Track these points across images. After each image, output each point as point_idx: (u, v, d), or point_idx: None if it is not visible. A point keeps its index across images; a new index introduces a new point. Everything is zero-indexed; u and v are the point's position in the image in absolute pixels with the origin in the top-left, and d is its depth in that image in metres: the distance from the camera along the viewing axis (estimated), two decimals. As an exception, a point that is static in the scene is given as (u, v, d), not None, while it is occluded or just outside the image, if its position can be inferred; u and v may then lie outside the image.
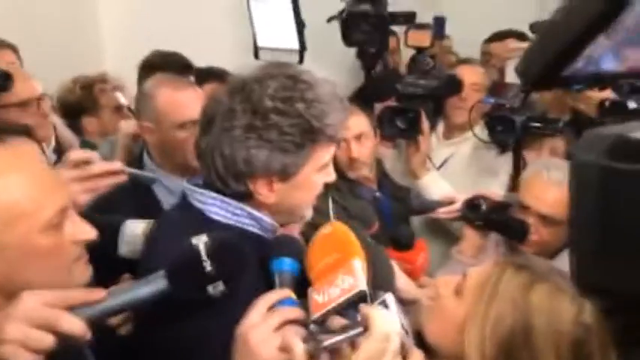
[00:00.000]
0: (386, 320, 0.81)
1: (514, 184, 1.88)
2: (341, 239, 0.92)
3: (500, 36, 3.22)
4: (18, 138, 1.32)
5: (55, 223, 0.87)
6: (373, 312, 0.81)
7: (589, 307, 0.89)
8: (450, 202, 1.74)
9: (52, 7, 3.64)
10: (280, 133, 1.01)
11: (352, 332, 0.80)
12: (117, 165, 1.32)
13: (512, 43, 2.44)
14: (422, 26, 2.08)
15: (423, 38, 2.03)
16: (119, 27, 4.06)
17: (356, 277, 0.83)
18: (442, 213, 1.76)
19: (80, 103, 2.44)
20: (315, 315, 0.85)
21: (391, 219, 1.81)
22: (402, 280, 1.20)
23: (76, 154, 1.29)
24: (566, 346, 0.87)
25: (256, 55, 3.58)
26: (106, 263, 1.08)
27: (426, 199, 1.90)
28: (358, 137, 1.83)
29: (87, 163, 1.25)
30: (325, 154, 1.08)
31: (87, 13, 4.03)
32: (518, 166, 1.89)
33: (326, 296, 0.84)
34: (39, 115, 1.82)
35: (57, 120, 2.37)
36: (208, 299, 0.87)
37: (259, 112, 1.01)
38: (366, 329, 0.79)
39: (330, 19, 2.66)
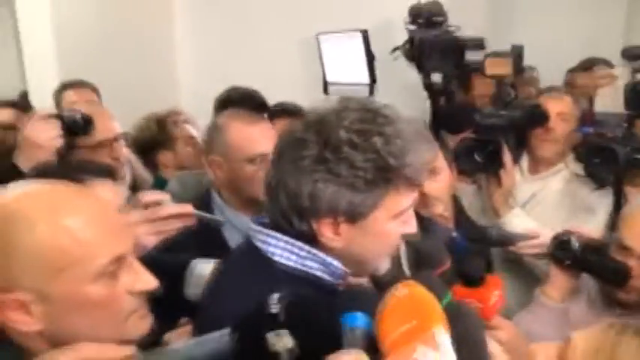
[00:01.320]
0: None
1: (614, 224, 1.69)
2: (418, 303, 0.79)
3: (586, 65, 3.02)
4: (100, 179, 1.34)
5: (109, 271, 0.81)
6: None
7: None
8: (535, 237, 1.58)
9: (131, 47, 3.84)
10: (351, 167, 0.91)
11: None
12: (187, 208, 1.30)
13: (602, 71, 2.26)
14: (501, 54, 1.96)
15: (504, 66, 1.90)
16: (194, 65, 4.23)
17: (440, 350, 0.72)
18: (524, 247, 1.59)
19: (155, 138, 2.50)
20: None
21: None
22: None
23: (148, 195, 1.28)
24: None
25: (325, 90, 3.60)
26: (170, 303, 1.02)
27: (507, 231, 1.73)
28: (431, 171, 1.72)
29: (158, 204, 1.25)
30: (403, 199, 0.96)
31: (164, 51, 4.23)
32: (619, 203, 1.70)
33: None
34: (112, 157, 1.85)
35: (132, 157, 2.45)
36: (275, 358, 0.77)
37: (331, 143, 0.92)
38: None
39: (394, 50, 2.61)
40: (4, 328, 0.81)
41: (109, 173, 1.39)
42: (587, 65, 2.87)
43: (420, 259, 1.29)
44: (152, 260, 0.94)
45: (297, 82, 3.69)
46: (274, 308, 0.78)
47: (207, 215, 1.47)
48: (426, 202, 1.70)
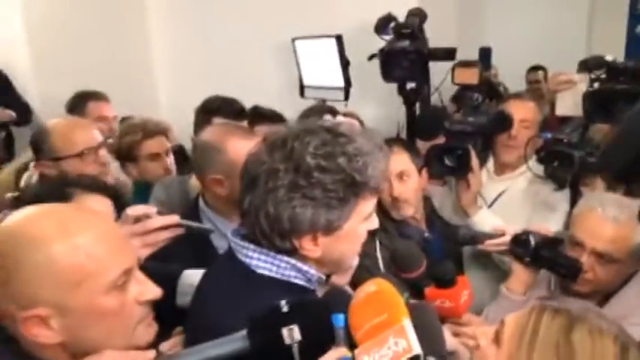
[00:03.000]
0: None
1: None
2: (388, 298, 0.88)
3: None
4: (91, 193, 1.40)
5: (120, 284, 0.88)
6: None
7: (633, 347, 0.89)
8: (501, 234, 1.69)
9: (107, 54, 3.85)
10: (324, 190, 1.01)
11: None
12: (174, 218, 1.34)
13: (562, 76, 2.40)
14: (468, 63, 2.07)
15: (471, 75, 2.02)
16: (171, 68, 4.25)
17: (409, 340, 0.81)
18: (490, 245, 1.72)
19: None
20: None
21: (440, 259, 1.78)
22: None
23: (135, 209, 1.31)
24: None
25: (302, 94, 3.68)
26: (162, 313, 1.07)
27: (476, 230, 1.85)
28: (400, 176, 1.82)
29: (147, 217, 1.29)
30: (368, 204, 1.08)
31: (139, 53, 4.23)
32: (575, 202, 1.83)
33: (377, 358, 0.81)
34: (97, 164, 1.91)
35: (113, 163, 2.49)
36: (287, 355, 0.86)
37: (302, 170, 1.01)
38: None
39: (371, 57, 2.71)
40: (27, 343, 0.87)
41: (98, 186, 1.45)
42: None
43: (397, 261, 1.39)
44: (145, 271, 1.00)
45: (273, 85, 3.76)
46: (285, 308, 0.88)
47: (195, 224, 1.50)
48: (397, 206, 1.81)
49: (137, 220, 1.28)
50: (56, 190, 1.41)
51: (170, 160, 2.44)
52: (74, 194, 1.39)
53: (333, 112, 2.21)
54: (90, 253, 0.86)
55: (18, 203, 1.50)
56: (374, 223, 1.12)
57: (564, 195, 1.95)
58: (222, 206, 1.69)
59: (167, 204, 2.11)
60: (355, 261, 1.16)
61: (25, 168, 1.97)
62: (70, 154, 1.87)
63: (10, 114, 3.45)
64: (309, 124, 1.09)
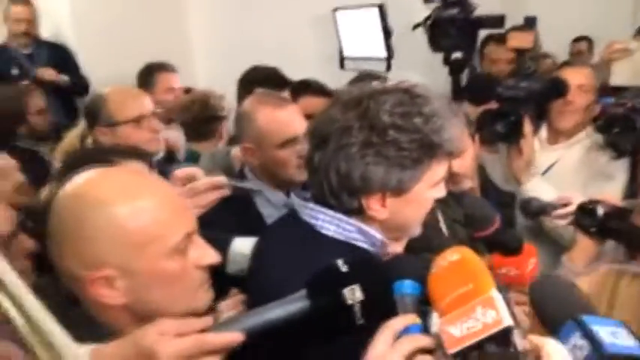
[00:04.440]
0: (562, 354, 0.73)
1: (632, 191, 1.76)
2: (473, 267, 0.84)
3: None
4: (130, 160, 1.41)
5: (181, 248, 0.88)
6: (549, 345, 0.73)
7: None
8: (565, 204, 1.64)
9: (143, 32, 3.88)
10: (398, 149, 1.00)
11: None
12: (220, 179, 1.36)
13: (617, 45, 2.30)
14: (523, 27, 2.00)
15: (526, 39, 1.95)
16: (210, 42, 4.25)
17: (498, 311, 0.76)
18: (557, 216, 1.67)
19: (199, 117, 2.58)
20: (453, 349, 0.77)
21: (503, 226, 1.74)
22: None
23: (182, 171, 1.33)
24: None
25: (342, 65, 3.64)
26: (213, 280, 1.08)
27: (543, 201, 1.80)
28: None
29: (192, 179, 1.30)
30: (441, 169, 1.06)
31: (178, 29, 4.25)
32: (636, 171, 1.77)
33: (464, 330, 0.77)
34: (150, 130, 1.94)
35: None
36: (347, 316, 0.85)
37: (377, 128, 1.00)
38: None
39: (415, 26, 2.65)
40: (90, 306, 0.88)
41: (138, 155, 1.44)
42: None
43: (472, 220, 1.36)
44: None
45: (313, 57, 3.74)
46: (344, 268, 0.86)
47: (241, 184, 1.52)
48: (455, 180, 1.78)
49: (184, 182, 1.29)
50: (97, 158, 1.39)
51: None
52: (115, 162, 1.37)
53: (382, 80, 2.17)
54: (154, 216, 0.86)
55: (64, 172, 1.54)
56: (442, 191, 1.10)
57: (622, 164, 1.89)
58: (263, 176, 1.70)
59: (211, 173, 2.14)
60: (418, 229, 1.14)
61: (88, 134, 2.01)
62: (126, 119, 1.90)
63: (63, 78, 3.51)
64: (384, 86, 1.07)
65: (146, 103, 1.97)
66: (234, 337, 0.80)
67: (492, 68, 2.83)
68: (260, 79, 2.51)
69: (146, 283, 0.87)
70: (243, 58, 2.91)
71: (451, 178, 1.76)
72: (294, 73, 2.91)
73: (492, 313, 0.76)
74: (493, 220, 1.33)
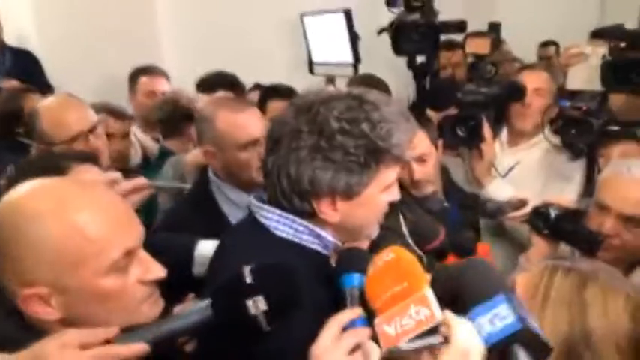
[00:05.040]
0: (469, 334, 0.76)
1: (587, 191, 1.80)
2: (407, 266, 0.86)
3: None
4: (84, 165, 1.39)
5: (120, 265, 0.85)
6: (456, 323, 0.77)
7: None
8: (521, 204, 1.66)
9: (112, 25, 3.83)
10: (345, 154, 1.01)
11: (431, 339, 0.77)
12: (141, 181, 1.39)
13: (574, 49, 2.35)
14: (480, 34, 2.05)
15: (482, 45, 1.99)
16: (176, 45, 4.21)
17: (431, 308, 0.79)
18: (513, 217, 1.69)
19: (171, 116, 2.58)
20: (388, 347, 0.80)
21: (459, 228, 1.76)
22: None
23: (103, 177, 1.35)
24: (626, 344, 0.86)
25: (311, 70, 3.65)
26: (179, 282, 1.07)
27: (500, 201, 1.82)
28: (420, 159, 1.80)
29: (114, 183, 1.33)
30: (391, 173, 1.07)
31: (145, 29, 4.20)
32: (592, 172, 1.81)
33: (398, 328, 0.80)
34: (89, 148, 1.80)
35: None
36: (253, 324, 0.85)
37: (325, 133, 1.01)
38: (446, 340, 0.76)
39: (380, 31, 2.67)
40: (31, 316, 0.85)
41: (92, 158, 1.44)
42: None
43: (417, 234, 1.39)
44: (161, 243, 1.01)
45: (282, 62, 3.74)
46: (248, 278, 0.87)
47: (167, 184, 1.58)
48: (417, 186, 1.81)
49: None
50: (49, 164, 1.39)
51: None
52: (70, 167, 1.37)
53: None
54: (88, 233, 0.82)
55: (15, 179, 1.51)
56: (395, 194, 1.11)
57: (579, 165, 1.93)
58: (224, 177, 1.71)
59: (173, 179, 2.14)
60: (375, 232, 1.15)
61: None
62: (61, 140, 1.80)
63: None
64: (337, 91, 1.09)
65: (83, 119, 1.84)
66: (139, 348, 0.80)
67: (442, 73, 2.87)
68: (213, 82, 2.51)
69: (82, 300, 0.84)
70: (210, 63, 2.90)
71: (413, 184, 1.80)
72: (264, 78, 2.91)
73: (425, 310, 0.79)
74: (437, 234, 1.35)
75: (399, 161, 1.08)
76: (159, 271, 0.90)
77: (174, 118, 2.55)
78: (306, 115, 1.04)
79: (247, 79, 2.89)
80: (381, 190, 1.07)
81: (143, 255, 0.89)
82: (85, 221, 0.83)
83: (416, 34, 2.19)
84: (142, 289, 0.88)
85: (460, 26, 2.20)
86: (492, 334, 0.75)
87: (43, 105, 1.91)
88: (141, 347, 0.80)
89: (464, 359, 0.75)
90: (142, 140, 2.63)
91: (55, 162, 1.36)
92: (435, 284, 0.84)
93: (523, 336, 0.75)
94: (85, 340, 0.78)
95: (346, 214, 1.06)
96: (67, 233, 0.81)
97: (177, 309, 1.23)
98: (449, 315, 0.79)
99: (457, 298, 0.82)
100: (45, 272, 0.81)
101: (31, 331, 0.85)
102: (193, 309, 0.87)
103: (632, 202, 1.47)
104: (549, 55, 4.71)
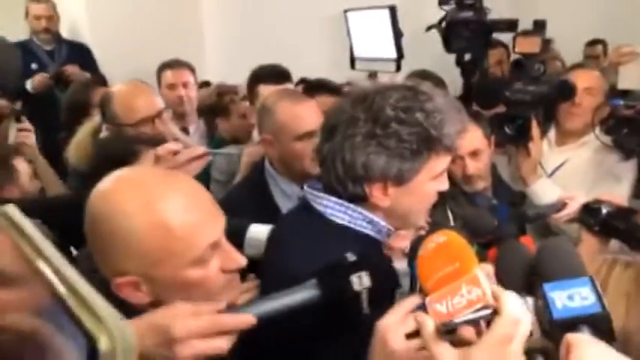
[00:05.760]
0: (517, 305, 0.77)
1: (638, 191, 1.78)
2: (458, 248, 0.87)
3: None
4: (152, 149, 1.49)
5: (204, 259, 0.88)
6: (505, 295, 0.78)
7: None
8: (564, 204, 1.66)
9: (158, 25, 3.94)
10: (399, 141, 1.05)
11: (483, 312, 0.77)
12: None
13: (626, 48, 2.31)
14: (530, 32, 2.03)
15: (533, 44, 1.98)
16: (220, 40, 4.29)
17: (483, 288, 0.79)
18: (558, 218, 1.69)
19: (213, 107, 2.81)
20: (441, 321, 0.81)
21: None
22: None
23: (164, 148, 1.47)
24: None
25: (352, 66, 3.67)
26: None
27: (541, 206, 1.83)
28: (474, 153, 1.82)
29: (175, 153, 1.45)
30: (441, 163, 1.10)
31: (191, 28, 4.30)
32: (644, 172, 1.79)
33: (450, 307, 0.80)
34: (154, 133, 1.92)
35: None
36: (357, 303, 0.89)
37: (380, 120, 1.05)
38: (496, 312, 0.77)
39: (429, 28, 2.68)
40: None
41: (160, 143, 1.55)
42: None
43: (469, 227, 1.40)
44: None
45: (324, 57, 3.76)
46: (352, 257, 0.91)
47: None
48: (469, 181, 1.83)
49: (169, 158, 1.44)
50: (126, 147, 1.56)
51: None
52: (141, 151, 1.53)
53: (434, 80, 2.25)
54: (172, 230, 0.85)
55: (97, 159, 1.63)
56: (444, 184, 1.15)
57: (631, 165, 1.91)
58: (280, 168, 1.76)
59: (227, 172, 2.22)
60: (423, 221, 1.19)
61: (100, 128, 2.06)
62: (128, 122, 1.92)
63: (85, 75, 3.57)
64: (392, 83, 1.13)
65: (151, 105, 1.96)
66: (247, 319, 0.84)
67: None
68: (263, 75, 2.57)
69: (168, 289, 0.88)
70: (255, 59, 2.94)
71: (466, 178, 1.82)
72: (306, 73, 2.95)
73: (477, 290, 0.79)
74: (492, 229, 1.36)
75: (449, 151, 1.11)
76: (240, 260, 0.93)
77: (220, 104, 2.73)
78: (363, 104, 1.08)
79: (292, 75, 2.93)
80: (431, 178, 1.10)
81: (225, 245, 0.93)
82: (170, 218, 0.85)
83: (467, 31, 2.20)
84: (224, 278, 0.92)
85: (511, 25, 2.20)
86: (569, 308, 0.76)
87: (116, 89, 2.05)
88: (248, 319, 0.83)
89: (514, 329, 0.75)
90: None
91: (128, 146, 1.51)
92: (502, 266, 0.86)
93: (598, 320, 0.75)
94: (196, 311, 0.82)
95: (397, 199, 1.09)
96: (154, 231, 0.85)
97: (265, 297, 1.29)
98: (496, 288, 0.80)
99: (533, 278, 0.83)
100: (134, 264, 0.86)
101: (129, 309, 0.89)
102: (298, 288, 0.90)
103: None
104: (597, 54, 4.60)
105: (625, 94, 2.05)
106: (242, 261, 0.93)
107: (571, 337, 0.73)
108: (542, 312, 0.79)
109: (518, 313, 0.76)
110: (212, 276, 0.89)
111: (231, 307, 0.88)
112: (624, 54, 1.99)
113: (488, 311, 0.77)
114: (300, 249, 1.13)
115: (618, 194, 1.84)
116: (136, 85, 2.07)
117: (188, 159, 1.45)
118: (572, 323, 0.75)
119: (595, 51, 4.63)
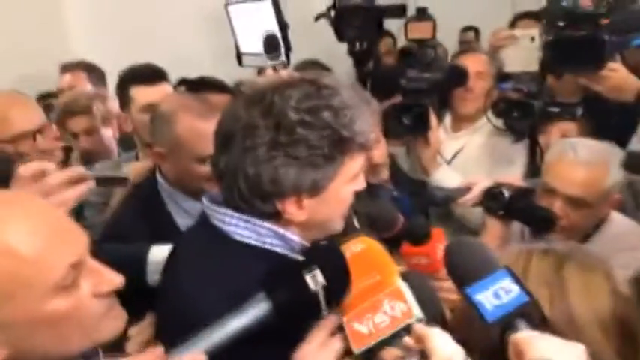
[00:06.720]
0: (447, 342, 0.73)
1: (532, 173, 1.83)
2: (377, 258, 0.82)
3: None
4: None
5: (67, 283, 0.74)
6: (430, 333, 0.72)
7: (623, 281, 0.90)
8: (468, 189, 1.66)
9: (21, 19, 3.50)
10: (308, 148, 0.92)
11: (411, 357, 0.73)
12: (77, 170, 1.18)
13: (504, 32, 2.39)
14: (421, 18, 2.01)
15: (426, 30, 1.96)
16: (88, 35, 3.91)
17: (408, 302, 0.74)
18: (464, 202, 1.68)
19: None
20: (361, 348, 0.74)
21: (412, 215, 1.73)
22: None
23: (28, 167, 1.13)
24: (609, 320, 0.86)
25: (240, 62, 3.50)
26: (136, 293, 0.96)
27: (448, 188, 1.81)
28: (376, 141, 1.75)
29: (43, 175, 1.12)
30: (356, 164, 1.00)
31: (50, 21, 3.86)
32: (534, 153, 1.84)
33: (372, 326, 0.74)
34: (35, 150, 1.66)
35: None
36: (315, 304, 0.78)
37: (283, 126, 0.92)
38: (424, 356, 0.71)
39: (318, 17, 2.58)
40: None
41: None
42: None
43: (373, 224, 1.32)
44: (107, 255, 0.88)
45: (208, 54, 3.57)
46: (299, 257, 0.83)
47: (108, 174, 1.40)
48: (377, 171, 1.75)
49: (35, 180, 1.11)
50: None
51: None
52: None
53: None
54: (22, 254, 0.71)
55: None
56: (361, 183, 1.04)
57: (522, 147, 1.96)
58: (176, 185, 1.55)
59: (103, 194, 1.94)
60: (340, 225, 1.07)
61: None
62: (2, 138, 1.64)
63: None
64: (290, 78, 1.00)
65: (29, 119, 1.70)
66: (195, 357, 0.74)
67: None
68: (135, 77, 2.31)
69: (28, 332, 0.72)
70: (130, 58, 2.68)
71: (371, 168, 1.74)
72: (189, 72, 2.73)
73: (401, 305, 0.74)
74: (397, 222, 1.30)
75: (363, 149, 1.00)
76: (115, 279, 0.80)
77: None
78: (259, 106, 0.94)
79: (171, 76, 2.71)
80: (348, 182, 0.99)
81: (93, 264, 0.79)
82: (18, 241, 0.72)
83: (357, 18, 2.13)
84: (99, 304, 0.78)
85: (400, 10, 2.16)
86: (499, 306, 0.72)
87: None
88: (198, 357, 0.73)
89: None
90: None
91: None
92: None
93: (529, 308, 0.72)
94: None
95: (313, 211, 0.97)
96: None
97: (134, 330, 1.11)
98: (418, 327, 0.75)
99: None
100: None
101: None
102: (245, 305, 0.79)
103: (577, 183, 1.49)
104: (469, 40, 4.87)
105: (509, 77, 2.10)
106: (117, 280, 0.80)
107: (515, 339, 0.70)
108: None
109: (449, 348, 0.71)
110: (83, 304, 0.76)
111: (177, 347, 0.76)
112: (503, 38, 2.03)
113: (415, 358, 0.72)
114: (199, 273, 0.98)
115: (513, 176, 1.89)
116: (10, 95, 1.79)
117: (61, 182, 1.13)
118: (508, 320, 0.73)
119: (467, 37, 4.91)
